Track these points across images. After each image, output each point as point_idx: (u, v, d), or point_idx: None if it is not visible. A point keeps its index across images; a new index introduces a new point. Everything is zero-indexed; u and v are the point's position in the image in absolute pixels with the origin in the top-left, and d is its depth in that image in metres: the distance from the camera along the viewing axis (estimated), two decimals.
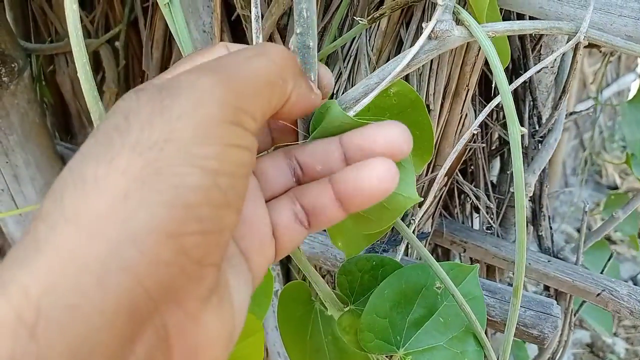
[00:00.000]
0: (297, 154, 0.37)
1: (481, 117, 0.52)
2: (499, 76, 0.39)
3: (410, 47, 0.65)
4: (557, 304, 0.83)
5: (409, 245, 0.81)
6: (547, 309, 0.70)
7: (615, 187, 2.95)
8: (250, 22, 0.72)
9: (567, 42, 0.50)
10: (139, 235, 0.24)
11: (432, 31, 0.41)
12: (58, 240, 0.24)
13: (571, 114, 0.91)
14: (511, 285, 1.04)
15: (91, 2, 0.94)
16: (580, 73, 2.14)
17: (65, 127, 1.10)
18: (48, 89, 1.04)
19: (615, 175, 3.02)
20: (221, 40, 0.76)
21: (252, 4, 0.42)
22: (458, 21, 0.43)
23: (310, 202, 0.36)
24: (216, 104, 0.27)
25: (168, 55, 0.88)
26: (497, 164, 0.94)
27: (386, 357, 0.60)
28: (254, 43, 0.42)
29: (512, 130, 0.39)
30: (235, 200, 0.27)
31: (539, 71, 0.78)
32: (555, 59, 0.76)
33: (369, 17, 0.56)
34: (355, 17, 0.62)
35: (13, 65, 0.85)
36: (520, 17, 0.71)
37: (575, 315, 0.90)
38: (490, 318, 0.73)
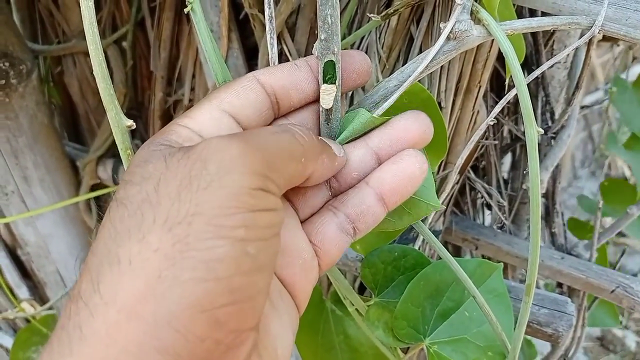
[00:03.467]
0: None
1: (495, 111, 0.52)
2: (518, 77, 0.38)
3: (421, 44, 0.65)
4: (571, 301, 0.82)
5: (423, 241, 0.80)
6: (561, 307, 0.70)
7: (625, 179, 2.94)
8: (258, 21, 0.72)
9: (581, 37, 0.49)
10: (173, 314, 0.24)
11: (450, 31, 0.40)
12: (99, 326, 0.25)
13: (582, 107, 0.90)
14: (524, 282, 1.04)
15: (98, 3, 0.94)
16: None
17: (73, 128, 1.10)
18: (56, 90, 1.04)
19: (624, 167, 3.00)
20: (229, 39, 0.76)
21: (266, 5, 0.41)
22: (475, 20, 0.43)
23: (355, 209, 0.37)
24: (243, 171, 0.27)
25: (176, 55, 0.88)
26: (508, 159, 0.94)
27: (402, 351, 0.60)
28: (267, 44, 0.42)
29: (529, 132, 0.38)
30: (266, 262, 0.28)
31: (551, 67, 0.77)
32: (568, 54, 0.75)
33: (383, 14, 0.56)
34: (368, 14, 0.61)
35: (21, 68, 0.85)
36: (532, 13, 0.70)
37: (587, 311, 0.90)
38: None
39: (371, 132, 0.39)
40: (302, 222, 0.37)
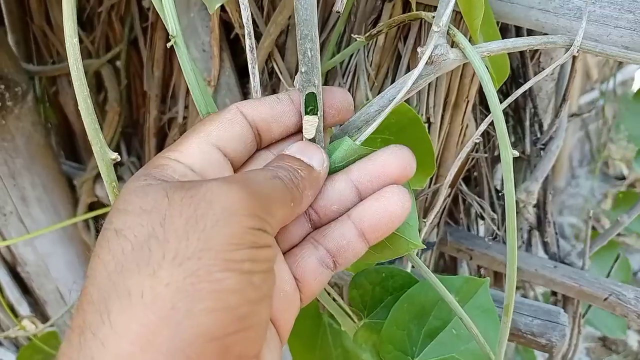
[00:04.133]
0: None
1: (480, 129, 0.52)
2: (493, 101, 0.39)
3: (409, 61, 0.66)
4: (564, 310, 0.83)
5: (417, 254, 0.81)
6: (554, 317, 0.70)
7: (623, 178, 2.94)
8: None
9: (566, 51, 0.50)
10: (187, 342, 0.26)
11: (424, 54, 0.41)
12: (112, 357, 0.25)
13: (572, 115, 0.91)
14: (523, 295, 1.04)
15: (91, 23, 0.95)
16: (583, 64, 2.13)
17: (70, 146, 1.11)
18: (52, 110, 1.05)
19: (622, 166, 3.01)
20: (220, 58, 0.77)
21: (246, 37, 0.42)
22: (453, 43, 0.44)
23: (335, 243, 0.38)
24: (245, 213, 0.29)
25: (169, 74, 0.89)
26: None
27: None
28: (250, 73, 0.43)
29: (505, 155, 0.39)
30: (268, 292, 0.30)
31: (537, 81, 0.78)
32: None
33: (367, 34, 0.56)
34: (353, 35, 0.62)
35: (17, 90, 0.86)
36: (518, 29, 0.71)
37: (583, 318, 0.90)
38: None
39: (352, 165, 0.39)
40: (283, 254, 0.38)
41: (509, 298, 0.42)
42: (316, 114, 0.37)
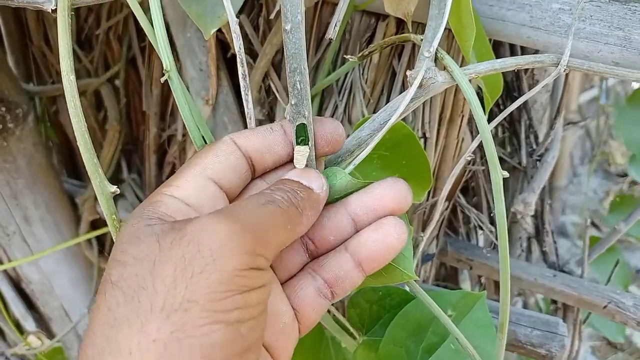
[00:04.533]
0: (308, 230, 0.38)
1: (474, 144, 0.53)
2: (482, 124, 0.40)
3: (403, 78, 0.67)
4: (565, 317, 0.84)
5: (416, 266, 0.82)
6: (553, 328, 0.71)
7: (624, 175, 2.95)
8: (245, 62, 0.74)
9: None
10: None
11: (415, 79, 0.42)
12: None
13: (568, 124, 0.92)
14: (524, 302, 1.05)
15: (90, 42, 0.96)
16: None
17: (71, 164, 1.12)
18: (53, 129, 1.06)
19: (623, 163, 3.01)
20: (218, 77, 0.78)
21: (239, 63, 0.43)
22: (440, 65, 0.44)
23: (333, 274, 0.38)
24: (235, 252, 0.29)
25: (167, 91, 0.90)
26: None
27: None
28: (243, 100, 0.43)
29: (494, 176, 0.40)
30: (256, 339, 0.30)
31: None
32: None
33: (359, 55, 0.57)
34: (345, 56, 0.63)
35: (17, 111, 0.87)
36: (512, 44, 0.72)
37: (583, 324, 0.91)
38: None
39: (349, 197, 0.39)
40: (281, 284, 0.38)
41: (503, 315, 0.42)
42: (307, 144, 0.38)
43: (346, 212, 0.39)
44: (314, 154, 0.39)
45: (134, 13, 0.40)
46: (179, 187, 0.35)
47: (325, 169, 0.41)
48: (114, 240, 0.40)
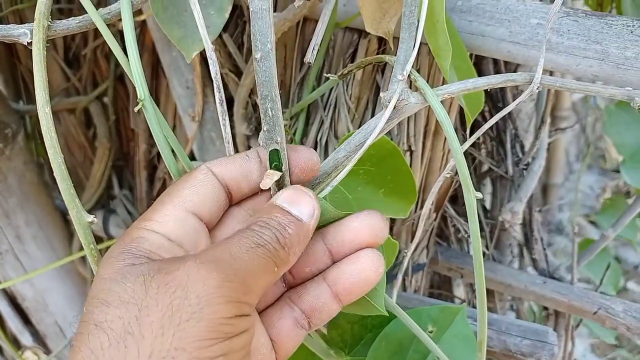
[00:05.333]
0: None
1: (452, 163, 0.53)
2: (454, 145, 0.40)
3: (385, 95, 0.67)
4: (556, 323, 0.84)
5: (405, 280, 0.82)
6: (542, 337, 0.71)
7: (619, 171, 2.95)
8: (231, 78, 0.74)
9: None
10: None
11: (388, 101, 0.42)
12: None
13: (556, 130, 0.92)
14: (517, 310, 1.05)
15: (78, 60, 0.96)
16: None
17: None
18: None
19: (619, 159, 3.01)
20: (204, 94, 0.78)
21: (215, 89, 0.43)
22: (413, 87, 0.44)
23: (310, 304, 0.38)
24: (221, 301, 0.29)
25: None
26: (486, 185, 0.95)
27: None
28: (220, 124, 0.44)
29: (468, 197, 0.40)
30: None
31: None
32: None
33: (339, 74, 0.58)
34: (325, 75, 0.63)
35: (7, 132, 0.87)
36: (495, 59, 0.72)
37: (576, 329, 0.91)
38: (488, 348, 0.74)
39: (326, 229, 0.40)
40: (259, 312, 0.38)
41: (481, 335, 0.43)
42: (280, 169, 0.38)
43: (323, 243, 0.39)
44: (288, 179, 0.39)
45: (109, 45, 0.41)
46: (160, 222, 0.35)
47: None
48: (94, 273, 0.40)
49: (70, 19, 0.43)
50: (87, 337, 0.28)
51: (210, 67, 0.43)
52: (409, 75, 0.43)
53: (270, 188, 0.39)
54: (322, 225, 0.40)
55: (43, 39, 0.40)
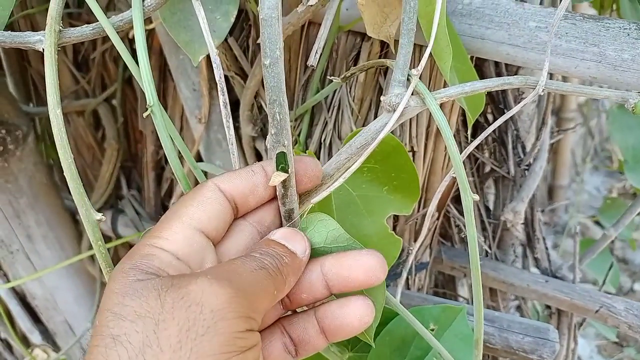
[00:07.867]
0: None
1: (449, 175, 0.54)
2: (452, 150, 0.41)
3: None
4: (559, 322, 0.85)
5: (409, 278, 0.83)
6: (544, 334, 0.72)
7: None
8: (237, 80, 0.76)
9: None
10: None
11: (388, 104, 0.43)
12: None
13: (558, 131, 0.93)
14: (520, 312, 1.06)
15: (87, 63, 0.98)
16: None
17: None
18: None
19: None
20: (210, 96, 0.79)
21: (219, 92, 0.45)
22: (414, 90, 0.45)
23: (298, 334, 0.40)
24: (234, 316, 0.31)
25: (164, 108, 0.91)
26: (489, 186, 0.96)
27: None
28: (225, 127, 0.45)
29: (465, 198, 0.41)
30: None
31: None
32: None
33: (342, 77, 0.59)
34: (329, 77, 0.65)
35: (17, 133, 0.89)
36: (497, 62, 0.73)
37: (579, 329, 0.92)
38: (491, 346, 0.75)
39: (325, 259, 0.41)
40: None
41: (477, 333, 0.44)
42: (287, 171, 0.39)
43: (320, 272, 0.40)
44: (294, 180, 0.40)
45: (120, 53, 0.42)
46: (168, 239, 0.36)
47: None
48: (102, 271, 0.42)
49: (84, 26, 0.45)
50: (105, 350, 0.29)
51: (215, 71, 0.45)
52: (408, 79, 0.45)
53: (276, 195, 0.40)
54: (323, 252, 0.42)
55: (55, 42, 0.42)
